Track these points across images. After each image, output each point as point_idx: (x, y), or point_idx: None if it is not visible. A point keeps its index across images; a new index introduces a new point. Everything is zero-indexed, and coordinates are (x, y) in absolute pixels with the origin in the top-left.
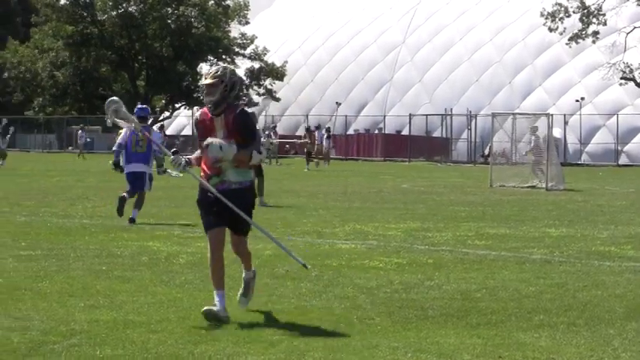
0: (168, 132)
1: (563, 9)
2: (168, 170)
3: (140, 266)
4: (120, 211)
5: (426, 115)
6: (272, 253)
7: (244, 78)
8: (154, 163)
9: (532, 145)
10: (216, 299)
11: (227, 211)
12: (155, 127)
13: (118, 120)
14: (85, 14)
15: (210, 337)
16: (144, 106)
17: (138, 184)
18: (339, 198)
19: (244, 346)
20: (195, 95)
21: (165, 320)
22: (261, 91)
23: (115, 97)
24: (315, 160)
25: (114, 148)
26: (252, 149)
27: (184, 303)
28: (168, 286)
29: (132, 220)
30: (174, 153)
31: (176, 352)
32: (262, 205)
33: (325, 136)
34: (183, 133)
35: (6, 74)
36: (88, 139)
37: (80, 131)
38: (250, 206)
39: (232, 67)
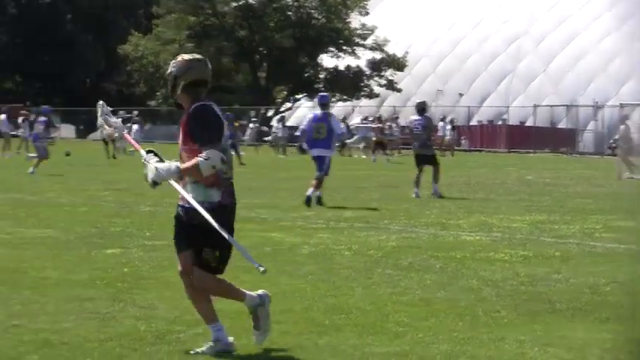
0: (289, 123)
1: None
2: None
3: (263, 257)
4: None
5: (551, 105)
6: (396, 244)
7: (365, 69)
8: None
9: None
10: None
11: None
12: (275, 119)
13: (106, 126)
14: (206, 6)
15: (333, 329)
16: (325, 94)
17: (319, 167)
18: (463, 189)
19: (368, 338)
20: (315, 86)
21: (288, 311)
22: (383, 81)
23: (101, 102)
24: (387, 153)
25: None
26: (200, 159)
27: (307, 294)
28: (292, 277)
29: (309, 200)
30: (148, 152)
31: (300, 342)
32: (435, 194)
33: (450, 127)
34: (304, 123)
35: (129, 67)
36: None
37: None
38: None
39: (183, 56)
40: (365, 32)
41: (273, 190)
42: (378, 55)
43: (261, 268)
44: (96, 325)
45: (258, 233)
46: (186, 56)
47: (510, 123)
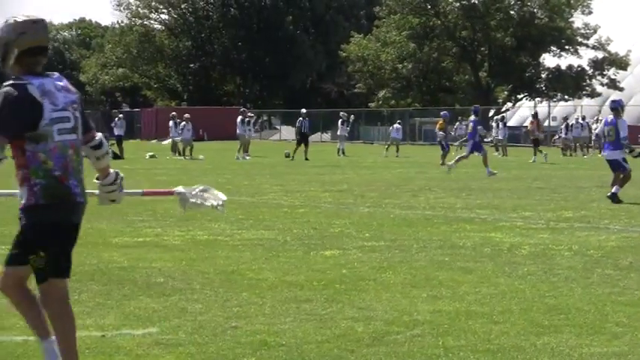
0: (510, 123)
1: None
2: None
3: (482, 257)
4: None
5: None
6: (616, 244)
7: (587, 68)
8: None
9: None
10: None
11: None
12: (495, 119)
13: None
14: (429, 6)
15: (552, 329)
16: (617, 99)
17: (614, 168)
18: None
19: (587, 338)
20: (537, 86)
21: (507, 311)
22: (605, 80)
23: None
24: (544, 151)
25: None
26: None
27: (526, 294)
28: (511, 277)
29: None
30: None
31: (518, 343)
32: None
33: None
34: (525, 124)
35: (350, 67)
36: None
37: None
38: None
39: (15, 18)
40: (588, 32)
41: (493, 190)
42: (600, 54)
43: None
44: (313, 326)
45: (478, 233)
46: (19, 18)
47: None
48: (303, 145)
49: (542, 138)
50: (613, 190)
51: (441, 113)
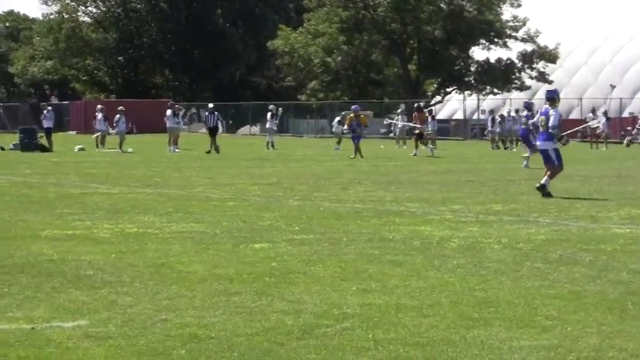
0: (439, 117)
1: None
2: None
3: (412, 250)
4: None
5: None
6: (545, 237)
7: (517, 61)
8: None
9: None
10: None
11: None
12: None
13: None
14: None
15: (482, 322)
16: (553, 89)
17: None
18: (614, 182)
19: (517, 331)
20: (466, 79)
21: (437, 305)
22: (534, 74)
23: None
24: (426, 143)
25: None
26: None
27: (456, 287)
28: (440, 271)
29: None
30: None
31: (448, 336)
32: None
33: (604, 119)
34: (455, 117)
35: (278, 61)
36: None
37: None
38: None
39: None
40: (517, 24)
41: (422, 183)
42: (529, 47)
43: None
44: (243, 319)
45: (407, 227)
46: None
47: None
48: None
49: (427, 131)
50: (542, 180)
51: (352, 107)
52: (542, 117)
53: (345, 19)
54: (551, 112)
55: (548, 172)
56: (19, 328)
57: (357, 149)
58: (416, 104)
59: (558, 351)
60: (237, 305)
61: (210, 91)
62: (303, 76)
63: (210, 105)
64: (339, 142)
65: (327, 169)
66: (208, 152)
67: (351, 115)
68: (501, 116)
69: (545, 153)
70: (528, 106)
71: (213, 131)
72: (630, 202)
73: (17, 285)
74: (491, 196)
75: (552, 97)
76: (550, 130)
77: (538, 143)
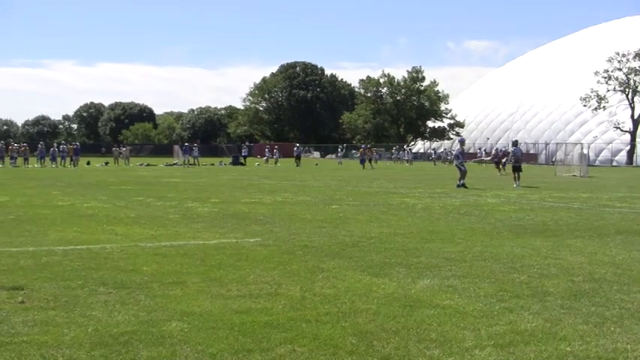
0: (414, 151)
1: None
2: None
3: (400, 209)
4: None
5: None
6: (459, 204)
7: (447, 127)
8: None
9: None
10: None
11: None
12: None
13: None
14: None
15: (431, 240)
16: (461, 138)
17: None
18: (496, 182)
19: (445, 244)
20: (425, 135)
21: (411, 232)
22: (453, 132)
23: None
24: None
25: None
26: None
27: (419, 225)
28: (413, 218)
29: None
30: None
31: (415, 246)
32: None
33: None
34: (420, 151)
35: (345, 126)
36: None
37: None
38: None
39: None
40: (447, 111)
41: (404, 180)
42: (452, 121)
43: None
44: (327, 239)
45: (398, 199)
46: None
47: None
48: None
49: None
50: (459, 182)
51: (362, 145)
52: (456, 152)
53: (372, 108)
54: (459, 149)
55: (459, 176)
56: (229, 242)
57: (370, 164)
58: (405, 145)
59: (463, 252)
60: (324, 232)
61: (314, 140)
62: (353, 133)
63: (298, 144)
64: (362, 163)
65: (363, 175)
66: (297, 166)
67: (365, 149)
68: (442, 151)
69: (458, 167)
70: (462, 141)
71: (299, 156)
72: (497, 187)
73: (230, 223)
74: (435, 186)
75: (462, 141)
76: (455, 160)
77: (455, 162)
